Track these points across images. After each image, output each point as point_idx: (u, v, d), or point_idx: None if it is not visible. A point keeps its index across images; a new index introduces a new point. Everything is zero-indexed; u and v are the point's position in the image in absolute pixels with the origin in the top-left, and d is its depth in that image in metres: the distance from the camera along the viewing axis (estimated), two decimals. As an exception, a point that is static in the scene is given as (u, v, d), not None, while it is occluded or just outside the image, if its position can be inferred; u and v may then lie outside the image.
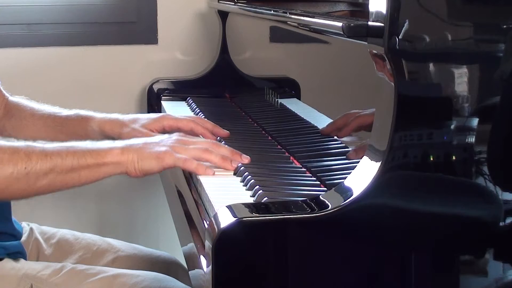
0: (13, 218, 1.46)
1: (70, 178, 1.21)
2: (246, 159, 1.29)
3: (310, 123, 1.41)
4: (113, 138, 1.47)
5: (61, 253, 1.51)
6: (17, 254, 1.38)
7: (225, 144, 1.43)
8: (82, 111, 1.52)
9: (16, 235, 1.43)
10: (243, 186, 1.21)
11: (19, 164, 1.18)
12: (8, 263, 1.34)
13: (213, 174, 1.25)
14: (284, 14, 1.40)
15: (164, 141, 1.27)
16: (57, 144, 1.23)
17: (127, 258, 1.52)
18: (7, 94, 1.55)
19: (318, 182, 1.19)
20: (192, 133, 1.49)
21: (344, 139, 1.29)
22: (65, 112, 1.53)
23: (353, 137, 1.26)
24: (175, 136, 1.30)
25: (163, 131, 1.48)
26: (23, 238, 1.49)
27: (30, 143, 1.21)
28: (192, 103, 1.91)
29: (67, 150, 1.21)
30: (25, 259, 1.40)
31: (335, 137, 1.32)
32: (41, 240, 1.52)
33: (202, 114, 1.73)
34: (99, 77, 2.16)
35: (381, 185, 0.95)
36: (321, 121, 1.33)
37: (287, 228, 0.94)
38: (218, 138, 1.46)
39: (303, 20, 1.32)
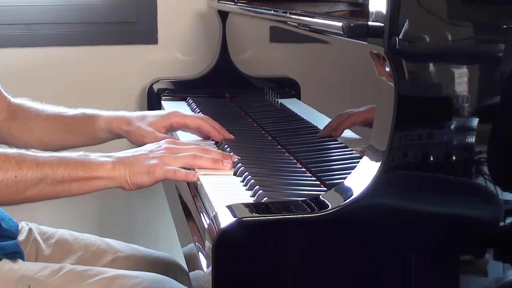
0: (9, 216, 1.46)
1: (60, 189, 1.21)
2: (236, 158, 1.30)
3: (310, 123, 1.41)
4: (120, 135, 1.47)
5: (60, 253, 1.51)
6: (15, 254, 1.38)
7: (226, 143, 1.43)
8: (88, 110, 1.52)
9: (10, 234, 1.42)
10: (243, 186, 1.21)
11: (9, 172, 1.18)
12: (5, 264, 1.34)
13: (197, 179, 1.24)
14: (284, 14, 1.40)
15: (154, 152, 1.26)
16: (50, 154, 1.23)
17: (126, 259, 1.52)
18: (8, 96, 1.54)
19: (318, 182, 1.19)
20: (199, 131, 1.49)
21: (344, 138, 1.29)
22: (70, 111, 1.53)
23: (353, 137, 1.26)
24: (164, 144, 1.28)
25: (171, 128, 1.48)
26: (22, 237, 1.49)
27: (22, 151, 1.21)
28: (192, 103, 1.91)
29: (59, 161, 1.21)
30: (23, 259, 1.40)
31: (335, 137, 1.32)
32: (40, 240, 1.52)
33: (202, 114, 1.73)
34: (99, 77, 2.16)
35: (381, 185, 0.95)
36: (321, 121, 1.33)
37: (287, 228, 0.94)
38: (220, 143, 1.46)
39: (303, 20, 1.32)
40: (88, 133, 1.48)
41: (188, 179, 1.25)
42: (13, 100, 1.55)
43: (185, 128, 1.52)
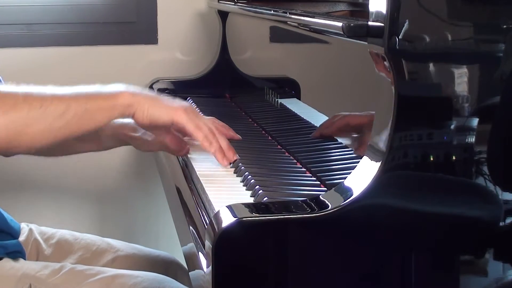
0: (10, 217, 1.46)
1: (85, 119, 1.21)
2: (236, 157, 1.30)
3: (310, 123, 1.40)
4: (126, 142, 1.46)
5: (60, 253, 1.51)
6: (16, 253, 1.38)
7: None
8: None
9: (12, 233, 1.43)
10: (243, 186, 1.21)
11: (34, 103, 1.17)
12: (7, 262, 1.34)
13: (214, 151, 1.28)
14: (284, 14, 1.40)
15: (177, 102, 1.28)
16: (67, 88, 1.22)
17: (126, 258, 1.52)
18: None
19: (318, 182, 1.19)
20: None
21: (345, 139, 1.29)
22: None
23: (354, 137, 1.26)
24: (187, 104, 1.30)
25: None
26: (23, 238, 1.49)
27: (41, 88, 1.21)
28: (192, 103, 1.91)
29: (79, 92, 1.21)
30: (24, 258, 1.40)
31: (335, 137, 1.32)
32: (41, 241, 1.52)
33: (202, 115, 1.73)
34: (99, 77, 2.14)
35: (381, 185, 0.95)
36: (321, 121, 1.33)
37: (287, 228, 0.94)
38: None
39: (303, 20, 1.32)
40: (93, 139, 1.47)
41: (203, 144, 1.26)
42: None
43: None
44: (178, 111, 1.25)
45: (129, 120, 1.47)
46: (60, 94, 1.20)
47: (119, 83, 1.26)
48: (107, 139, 1.47)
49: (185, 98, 2.01)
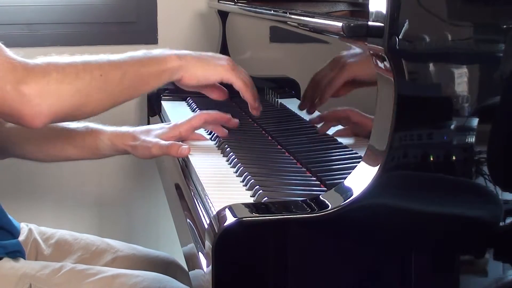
0: (11, 217, 1.46)
1: (139, 84, 1.25)
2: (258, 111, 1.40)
3: (310, 123, 1.40)
4: (125, 151, 1.45)
5: (60, 253, 1.51)
6: (16, 253, 1.38)
7: (225, 143, 1.43)
8: (91, 124, 1.48)
9: (13, 233, 1.43)
10: (243, 186, 1.21)
11: (94, 71, 1.19)
12: (7, 262, 1.34)
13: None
14: (284, 14, 1.40)
15: (219, 59, 1.34)
16: (118, 54, 1.25)
17: (126, 259, 1.52)
18: None
19: (318, 182, 1.19)
20: (206, 124, 1.48)
21: (345, 139, 1.29)
22: (73, 123, 1.48)
23: (354, 138, 1.26)
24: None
25: (180, 138, 1.46)
26: (22, 238, 1.49)
27: (94, 56, 1.23)
28: (192, 103, 1.91)
29: (131, 57, 1.25)
30: (24, 258, 1.40)
31: (335, 137, 1.32)
32: (40, 241, 1.52)
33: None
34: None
35: (381, 185, 0.95)
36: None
37: (287, 228, 0.94)
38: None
39: (303, 20, 1.32)
40: (91, 147, 1.46)
41: (252, 102, 1.37)
42: None
43: (192, 130, 1.49)
44: (226, 68, 1.32)
45: (127, 129, 1.46)
46: (115, 60, 1.23)
47: (163, 48, 1.31)
48: (105, 148, 1.46)
49: (185, 98, 2.01)
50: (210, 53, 1.36)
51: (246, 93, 1.36)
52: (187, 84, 1.32)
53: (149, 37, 2.20)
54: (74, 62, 1.19)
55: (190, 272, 1.13)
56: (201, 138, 1.50)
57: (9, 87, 1.13)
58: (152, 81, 1.27)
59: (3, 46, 1.16)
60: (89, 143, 1.46)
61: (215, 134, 1.50)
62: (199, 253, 1.05)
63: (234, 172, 1.28)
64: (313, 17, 1.24)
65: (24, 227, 1.53)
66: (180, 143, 1.41)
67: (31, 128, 1.18)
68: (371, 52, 0.99)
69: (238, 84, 1.34)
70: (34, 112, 1.14)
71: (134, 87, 1.25)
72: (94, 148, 1.46)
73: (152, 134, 1.43)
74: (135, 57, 1.26)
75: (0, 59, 1.14)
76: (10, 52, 1.16)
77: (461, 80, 0.99)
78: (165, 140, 1.41)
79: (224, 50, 2.07)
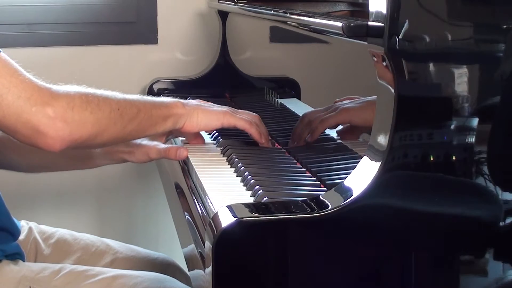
0: (13, 217, 1.46)
1: (148, 125, 1.27)
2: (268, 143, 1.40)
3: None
4: (122, 159, 1.44)
5: (59, 253, 1.51)
6: (15, 255, 1.38)
7: (225, 143, 1.43)
8: None
9: (14, 233, 1.42)
10: (243, 186, 1.21)
11: (113, 104, 1.22)
12: (6, 265, 1.33)
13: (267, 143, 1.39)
14: (284, 14, 1.40)
15: (218, 106, 1.37)
16: (130, 95, 1.27)
17: (125, 260, 1.52)
18: None
19: (318, 182, 1.19)
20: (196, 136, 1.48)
21: (345, 139, 1.29)
22: None
23: (354, 138, 1.27)
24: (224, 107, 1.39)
25: (170, 135, 1.46)
26: (22, 237, 1.49)
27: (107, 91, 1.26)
28: (192, 103, 1.91)
29: (143, 99, 1.29)
30: (23, 260, 1.40)
31: (335, 137, 1.32)
32: (40, 240, 1.52)
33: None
34: (99, 77, 2.16)
35: (381, 185, 0.95)
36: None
37: (287, 228, 0.94)
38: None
39: (303, 20, 1.32)
40: (83, 157, 1.45)
41: (257, 137, 1.37)
42: None
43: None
44: (227, 114, 1.35)
45: None
46: (129, 98, 1.26)
47: (169, 97, 1.35)
48: (98, 157, 1.45)
49: (185, 98, 2.00)
50: (208, 103, 1.39)
51: (251, 131, 1.37)
52: (188, 131, 1.36)
53: (149, 37, 2.20)
54: (95, 93, 1.21)
55: (190, 273, 1.13)
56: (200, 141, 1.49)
57: (35, 109, 1.13)
58: (159, 124, 1.29)
59: (22, 70, 1.17)
60: (81, 154, 1.45)
61: (215, 134, 1.50)
62: (199, 253, 1.05)
63: (234, 172, 1.28)
64: (313, 17, 1.24)
65: (24, 226, 1.53)
66: (178, 145, 1.41)
67: (46, 151, 1.18)
68: (371, 52, 0.99)
69: (241, 124, 1.36)
70: (57, 135, 1.15)
71: (144, 127, 1.27)
72: (86, 157, 1.45)
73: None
74: (146, 99, 1.30)
75: (26, 81, 1.15)
76: (31, 76, 1.17)
77: (461, 80, 0.99)
78: (158, 140, 1.42)
79: (224, 50, 2.08)
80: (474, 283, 1.05)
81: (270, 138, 1.50)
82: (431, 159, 0.98)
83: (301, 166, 1.29)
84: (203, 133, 1.53)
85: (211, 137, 1.51)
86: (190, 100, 1.36)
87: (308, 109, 1.44)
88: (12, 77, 1.14)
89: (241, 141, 1.43)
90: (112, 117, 1.21)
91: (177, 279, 1.45)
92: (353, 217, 0.95)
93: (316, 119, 1.32)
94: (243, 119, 1.37)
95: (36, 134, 1.14)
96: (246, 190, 1.19)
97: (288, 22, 1.45)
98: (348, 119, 1.26)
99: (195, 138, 1.44)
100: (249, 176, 1.21)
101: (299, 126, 1.37)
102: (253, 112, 1.70)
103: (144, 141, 1.41)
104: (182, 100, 1.33)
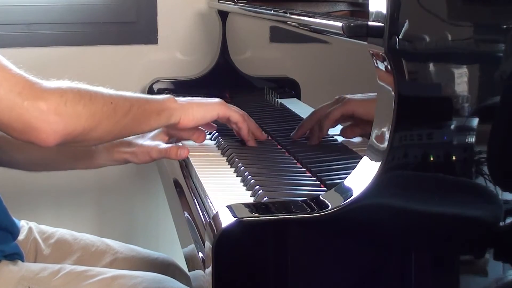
0: (13, 217, 1.46)
1: (141, 121, 1.27)
2: (263, 137, 1.43)
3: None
4: (125, 160, 1.44)
5: (59, 253, 1.51)
6: (14, 255, 1.37)
7: (225, 143, 1.43)
8: None
9: (14, 233, 1.42)
10: (243, 186, 1.21)
11: (106, 98, 1.22)
12: (5, 265, 1.33)
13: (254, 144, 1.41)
14: (284, 14, 1.40)
15: (211, 99, 1.39)
16: (123, 91, 1.27)
17: (125, 260, 1.52)
18: None
19: (318, 182, 1.19)
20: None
21: (345, 139, 1.29)
22: None
23: (354, 138, 1.26)
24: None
25: (171, 134, 1.46)
26: (22, 236, 1.49)
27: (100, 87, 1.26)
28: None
29: (136, 95, 1.29)
30: (22, 260, 1.39)
31: (335, 137, 1.32)
32: (40, 240, 1.52)
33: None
34: (99, 77, 2.14)
35: (381, 185, 0.95)
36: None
37: (287, 228, 0.94)
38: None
39: (303, 20, 1.32)
40: (85, 157, 1.45)
41: (244, 132, 1.40)
42: None
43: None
44: (220, 105, 1.37)
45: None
46: (122, 93, 1.26)
47: (165, 95, 1.35)
48: (100, 157, 1.45)
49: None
50: (201, 98, 1.40)
51: (242, 125, 1.39)
52: (185, 126, 1.35)
53: (149, 37, 2.20)
54: (87, 88, 1.21)
55: (190, 273, 1.13)
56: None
57: (27, 103, 1.13)
58: (153, 119, 1.29)
59: (12, 65, 1.17)
60: (82, 152, 1.45)
61: (215, 134, 1.50)
62: (199, 253, 1.05)
63: (234, 172, 1.28)
64: (313, 17, 1.24)
65: (24, 225, 1.53)
66: (179, 145, 1.41)
67: (40, 146, 1.17)
68: (371, 52, 0.99)
69: (235, 116, 1.38)
70: (50, 129, 1.15)
71: (138, 122, 1.27)
72: (88, 157, 1.45)
73: (147, 136, 1.43)
74: (139, 95, 1.31)
75: (16, 76, 1.15)
76: (22, 71, 1.17)
77: (461, 80, 0.99)
78: (160, 139, 1.42)
79: (224, 50, 2.08)
80: (474, 283, 1.05)
81: (270, 138, 1.51)
82: (431, 159, 0.98)
83: (301, 166, 1.29)
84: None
85: (211, 137, 1.51)
86: (181, 97, 1.36)
87: (308, 109, 1.44)
88: (2, 71, 1.14)
89: (241, 141, 1.43)
90: (105, 111, 1.20)
91: (177, 279, 1.45)
92: (353, 217, 0.95)
93: (323, 117, 1.31)
94: (237, 112, 1.39)
95: (29, 128, 1.14)
96: (246, 190, 1.19)
97: (288, 22, 1.45)
98: (352, 109, 1.25)
99: (195, 133, 1.42)
100: (249, 176, 1.21)
101: (309, 122, 1.37)
102: (253, 112, 1.70)
103: (146, 142, 1.41)
104: (173, 96, 1.34)
